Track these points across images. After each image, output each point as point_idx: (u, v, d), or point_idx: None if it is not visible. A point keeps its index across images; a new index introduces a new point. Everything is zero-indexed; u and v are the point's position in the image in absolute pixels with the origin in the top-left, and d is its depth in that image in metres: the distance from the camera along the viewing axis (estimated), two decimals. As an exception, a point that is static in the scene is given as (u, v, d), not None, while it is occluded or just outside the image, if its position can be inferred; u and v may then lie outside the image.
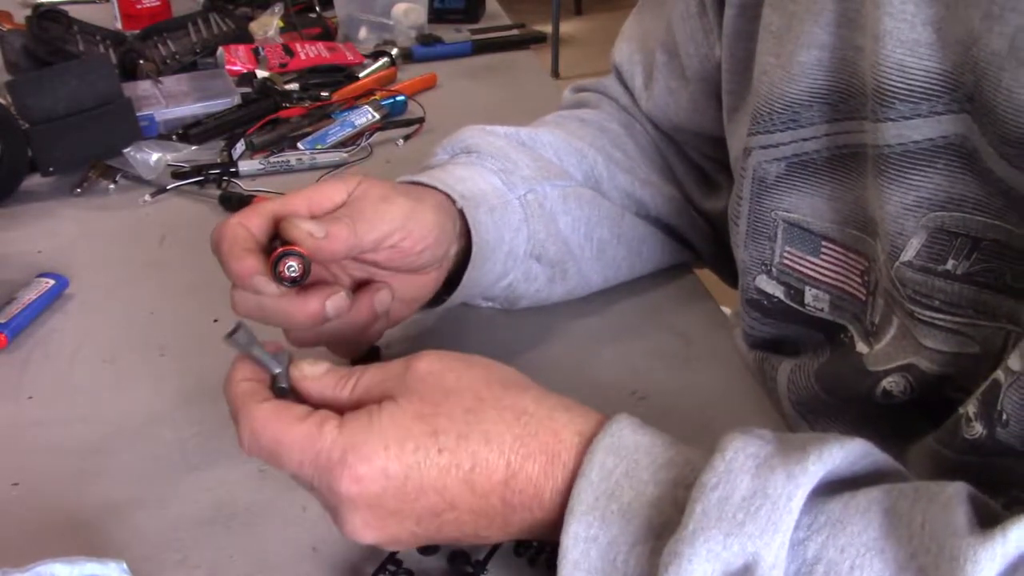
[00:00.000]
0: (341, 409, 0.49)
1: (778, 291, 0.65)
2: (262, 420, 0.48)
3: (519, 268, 0.70)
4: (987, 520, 0.41)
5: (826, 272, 0.62)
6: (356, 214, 0.58)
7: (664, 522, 0.44)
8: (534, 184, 0.71)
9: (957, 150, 0.51)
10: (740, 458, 0.43)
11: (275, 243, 0.58)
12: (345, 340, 0.64)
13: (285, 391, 0.52)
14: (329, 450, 0.47)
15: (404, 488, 0.47)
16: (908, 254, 0.54)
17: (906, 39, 0.51)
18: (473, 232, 0.65)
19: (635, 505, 0.45)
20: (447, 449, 0.47)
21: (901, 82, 0.51)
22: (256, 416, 0.49)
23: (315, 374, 0.51)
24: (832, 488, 0.44)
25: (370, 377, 0.51)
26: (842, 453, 0.44)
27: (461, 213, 0.65)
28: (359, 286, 0.64)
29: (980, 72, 0.48)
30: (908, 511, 0.41)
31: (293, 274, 0.56)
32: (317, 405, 0.50)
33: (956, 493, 0.42)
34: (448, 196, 0.65)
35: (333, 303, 0.58)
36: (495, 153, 0.71)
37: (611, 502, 0.45)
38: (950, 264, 0.53)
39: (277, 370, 0.52)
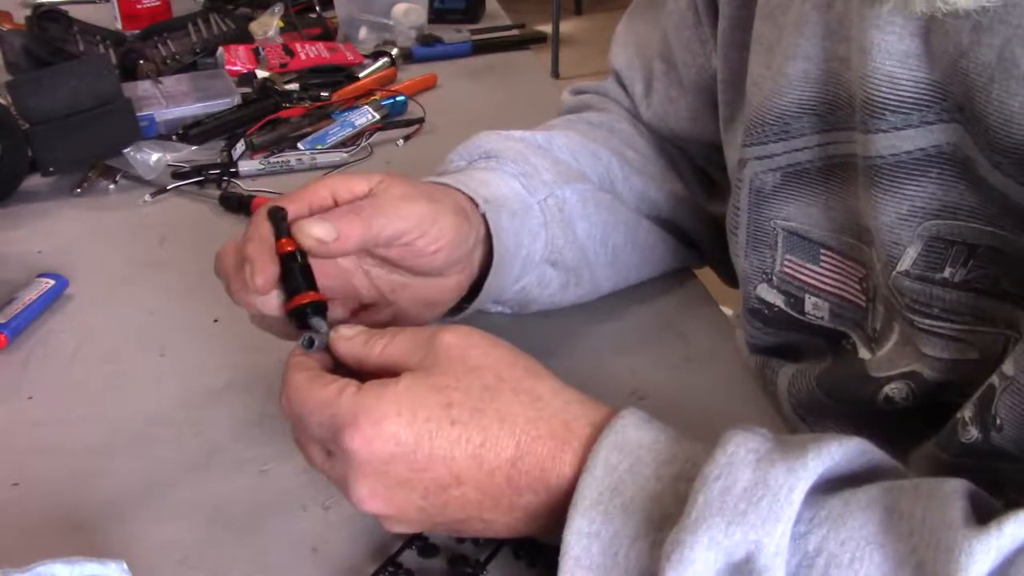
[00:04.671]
0: (370, 370, 0.52)
1: (778, 300, 0.65)
2: (295, 385, 0.51)
3: (534, 272, 0.70)
4: (985, 515, 0.41)
5: (826, 280, 0.62)
6: (374, 209, 0.57)
7: (665, 515, 0.44)
8: (554, 188, 0.70)
9: (949, 159, 0.51)
10: (741, 452, 0.44)
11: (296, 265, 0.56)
12: None
13: (311, 342, 0.54)
14: (344, 412, 0.48)
15: (414, 456, 0.48)
16: (905, 263, 0.54)
17: (895, 50, 0.51)
18: (495, 238, 0.64)
19: (637, 500, 0.45)
20: (460, 422, 0.48)
21: (891, 93, 0.51)
22: (291, 382, 0.52)
23: (348, 335, 0.54)
24: (832, 486, 0.44)
25: (399, 342, 0.52)
26: (841, 451, 0.44)
27: (483, 218, 0.64)
28: (365, 308, 0.63)
29: (970, 83, 0.48)
30: (909, 507, 0.42)
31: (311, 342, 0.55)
32: (350, 367, 0.53)
33: (955, 489, 0.42)
34: (471, 200, 0.64)
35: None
36: (515, 158, 0.70)
37: (614, 497, 0.45)
38: (947, 272, 0.53)
39: (322, 329, 0.55)
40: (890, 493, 0.43)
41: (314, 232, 0.55)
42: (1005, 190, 0.48)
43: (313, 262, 0.56)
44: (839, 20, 0.55)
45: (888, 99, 0.51)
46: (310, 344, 0.55)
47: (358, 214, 0.56)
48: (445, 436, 0.48)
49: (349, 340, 0.54)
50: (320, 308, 0.56)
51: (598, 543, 0.45)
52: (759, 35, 0.61)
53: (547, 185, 0.70)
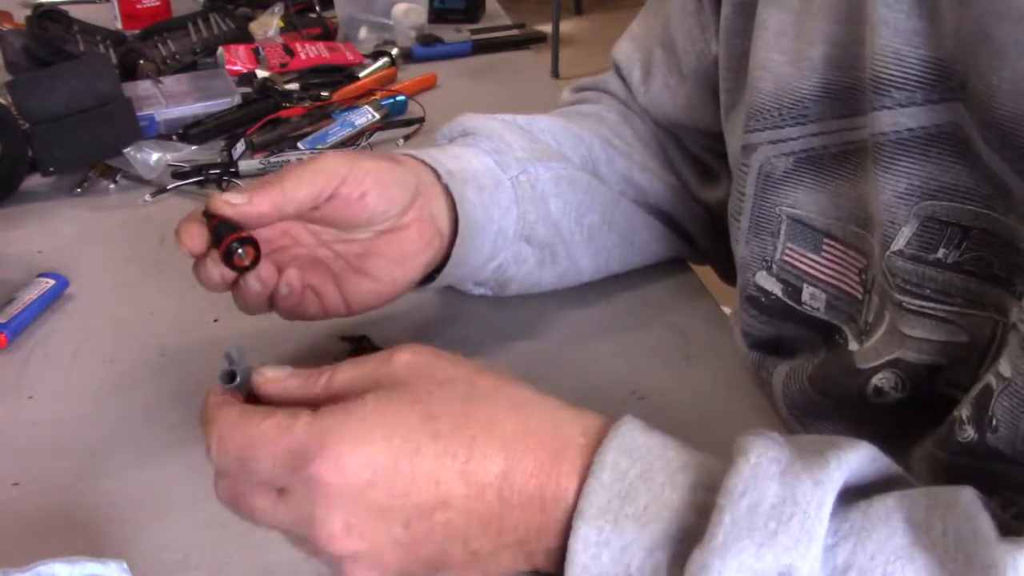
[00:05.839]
0: (314, 407, 0.46)
1: (776, 288, 0.65)
2: (227, 423, 0.45)
3: (509, 249, 0.71)
4: (1000, 527, 0.40)
5: (825, 270, 0.62)
6: (284, 175, 0.60)
7: (684, 527, 0.42)
8: (527, 165, 0.72)
9: (950, 138, 0.51)
10: (764, 462, 0.42)
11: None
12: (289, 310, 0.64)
13: (233, 376, 0.48)
14: (306, 441, 0.43)
15: (394, 480, 0.44)
16: (899, 243, 0.54)
17: (903, 28, 0.51)
18: (459, 208, 0.66)
19: (652, 509, 0.43)
20: (443, 435, 0.44)
21: (897, 70, 0.52)
22: (221, 421, 0.45)
23: (277, 377, 0.48)
24: (846, 496, 0.43)
25: (345, 372, 0.47)
26: (856, 459, 0.43)
27: (446, 189, 0.66)
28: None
29: (966, 59, 0.48)
30: (925, 519, 0.41)
31: (243, 261, 0.59)
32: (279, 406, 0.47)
33: (972, 501, 0.42)
34: (434, 171, 0.66)
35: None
36: (490, 134, 0.72)
37: (625, 505, 0.43)
38: (941, 253, 0.53)
39: (240, 363, 0.48)
40: (903, 505, 0.42)
41: (225, 197, 0.59)
42: (996, 168, 0.49)
43: (276, 247, 0.63)
44: (858, 3, 0.55)
45: (895, 76, 0.52)
46: (230, 379, 0.48)
47: (265, 182, 0.60)
48: (429, 453, 0.44)
49: (280, 383, 0.48)
50: (246, 240, 0.58)
51: (608, 552, 0.42)
52: (763, 20, 0.61)
53: (520, 162, 0.71)
